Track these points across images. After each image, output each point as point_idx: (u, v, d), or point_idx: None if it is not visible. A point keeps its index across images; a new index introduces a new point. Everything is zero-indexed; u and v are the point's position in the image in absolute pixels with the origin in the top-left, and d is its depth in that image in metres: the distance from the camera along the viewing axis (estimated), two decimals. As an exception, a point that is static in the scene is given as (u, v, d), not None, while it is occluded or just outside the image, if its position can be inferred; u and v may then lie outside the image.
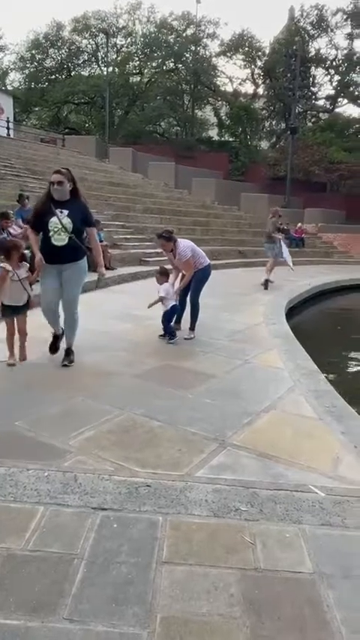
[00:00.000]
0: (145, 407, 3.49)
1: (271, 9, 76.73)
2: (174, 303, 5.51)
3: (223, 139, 38.00)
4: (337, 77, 35.45)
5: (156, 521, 2.21)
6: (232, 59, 37.04)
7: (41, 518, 2.19)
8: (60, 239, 4.14)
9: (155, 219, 15.05)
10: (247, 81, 38.37)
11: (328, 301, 12.02)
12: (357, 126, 34.66)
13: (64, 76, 38.02)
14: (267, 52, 36.02)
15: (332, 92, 36.15)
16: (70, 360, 4.41)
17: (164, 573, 1.90)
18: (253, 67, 37.20)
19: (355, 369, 6.86)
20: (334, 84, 35.76)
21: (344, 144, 30.76)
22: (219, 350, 5.18)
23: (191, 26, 37.22)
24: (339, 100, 36.47)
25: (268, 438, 3.10)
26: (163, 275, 5.55)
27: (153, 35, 36.70)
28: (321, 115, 37.23)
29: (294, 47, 29.76)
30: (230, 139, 37.06)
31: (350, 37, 33.82)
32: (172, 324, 5.48)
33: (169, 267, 5.95)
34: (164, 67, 37.26)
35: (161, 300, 5.43)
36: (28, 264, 4.32)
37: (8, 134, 20.81)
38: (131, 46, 37.72)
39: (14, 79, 38.42)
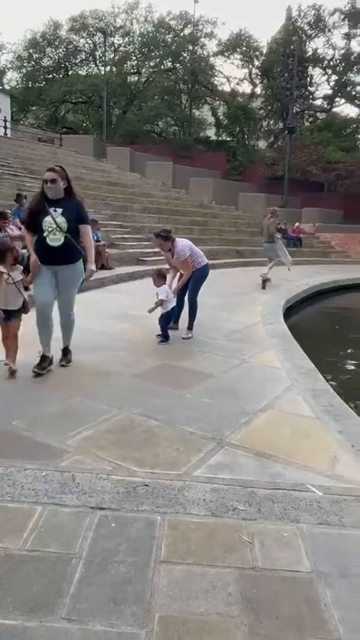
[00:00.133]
0: (143, 406, 3.49)
1: (269, 9, 77.02)
2: (173, 305, 5.50)
3: (220, 138, 38.07)
4: (334, 77, 35.55)
5: (154, 520, 2.21)
6: (230, 59, 37.20)
7: (39, 518, 2.18)
8: (55, 239, 4.03)
9: (153, 218, 15.04)
10: (244, 81, 38.61)
11: (326, 301, 12.05)
12: (354, 125, 34.76)
13: (61, 76, 38.01)
14: (264, 51, 36.11)
15: (329, 92, 36.26)
16: (67, 359, 4.40)
17: (162, 572, 1.91)
18: (250, 66, 37.31)
19: (352, 368, 6.87)
20: (332, 84, 35.91)
21: (341, 143, 30.84)
22: (217, 349, 5.18)
23: (189, 26, 37.26)
24: (336, 99, 36.59)
25: (266, 438, 3.11)
26: (160, 277, 5.47)
27: (150, 35, 36.72)
28: (318, 114, 37.31)
29: (291, 47, 29.89)
30: (228, 139, 37.13)
31: (347, 36, 33.96)
32: (169, 325, 5.48)
33: (166, 267, 5.95)
34: (162, 67, 37.29)
35: (161, 303, 5.41)
36: (22, 267, 4.16)
37: (5, 133, 20.78)
38: (129, 45, 37.77)
39: (11, 78, 38.54)
